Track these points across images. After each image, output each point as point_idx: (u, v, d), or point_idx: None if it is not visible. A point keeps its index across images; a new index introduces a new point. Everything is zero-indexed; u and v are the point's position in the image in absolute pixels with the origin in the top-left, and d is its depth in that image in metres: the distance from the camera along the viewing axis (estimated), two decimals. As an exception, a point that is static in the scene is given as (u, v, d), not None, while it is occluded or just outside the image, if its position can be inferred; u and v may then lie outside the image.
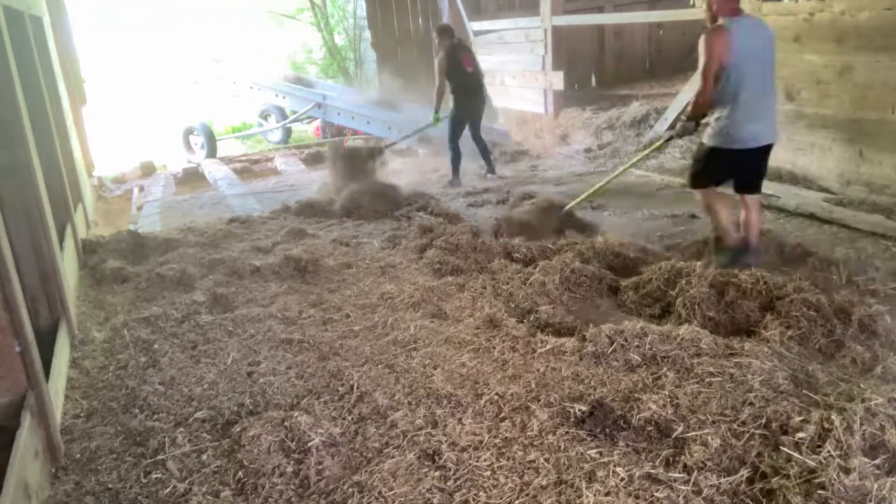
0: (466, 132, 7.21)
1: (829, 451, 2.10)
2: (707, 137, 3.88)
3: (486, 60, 10.12)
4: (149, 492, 2.28)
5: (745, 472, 2.15)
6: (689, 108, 3.96)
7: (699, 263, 3.60)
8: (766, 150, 3.83)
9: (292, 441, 2.43)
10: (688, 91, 7.27)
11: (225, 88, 11.20)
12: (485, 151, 7.41)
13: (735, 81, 3.64)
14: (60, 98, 5.66)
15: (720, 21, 3.70)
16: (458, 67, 6.95)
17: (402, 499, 2.16)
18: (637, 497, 2.11)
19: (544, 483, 2.19)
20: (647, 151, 5.20)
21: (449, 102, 7.20)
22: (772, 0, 5.94)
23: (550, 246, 4.35)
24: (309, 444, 2.40)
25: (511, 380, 2.82)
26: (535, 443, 2.40)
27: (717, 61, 3.62)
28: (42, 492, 2.26)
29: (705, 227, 4.54)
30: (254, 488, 2.24)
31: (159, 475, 2.35)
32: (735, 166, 3.83)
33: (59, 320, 3.33)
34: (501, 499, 2.14)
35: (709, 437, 2.28)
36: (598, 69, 11.10)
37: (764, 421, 2.35)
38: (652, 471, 2.20)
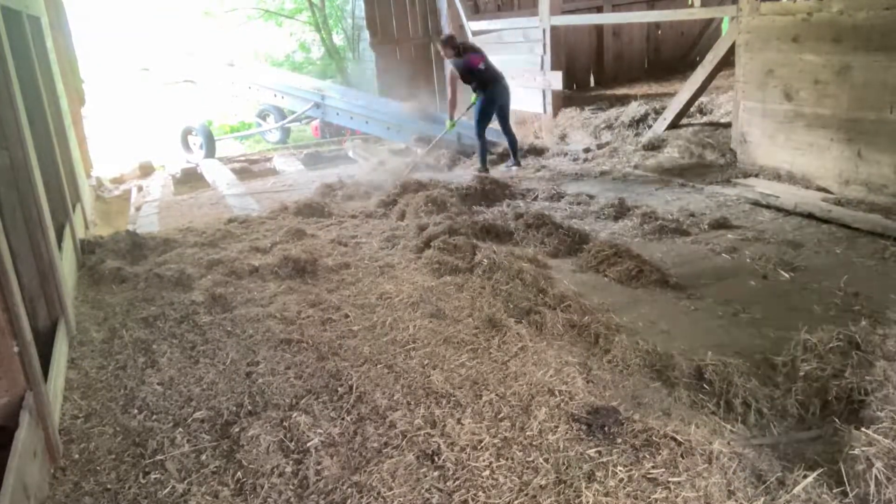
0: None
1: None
2: None
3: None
4: (147, 492, 2.27)
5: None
6: None
7: None
8: None
9: (291, 441, 2.43)
10: (687, 91, 7.28)
11: (224, 88, 11.19)
12: (513, 144, 7.71)
13: None
14: (59, 98, 5.65)
15: None
16: (468, 72, 7.21)
17: (401, 499, 2.16)
18: (636, 497, 2.11)
19: (543, 483, 2.19)
20: None
21: (462, 105, 7.58)
22: (770, 0, 5.95)
23: None
24: (308, 445, 2.40)
25: (511, 379, 2.83)
26: (534, 443, 2.40)
27: None
28: (41, 492, 2.26)
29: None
30: (253, 488, 2.24)
31: (158, 475, 2.34)
32: None
33: (58, 321, 3.32)
34: (500, 499, 2.14)
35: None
36: (597, 69, 11.12)
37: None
38: (652, 471, 2.21)
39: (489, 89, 7.31)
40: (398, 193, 6.03)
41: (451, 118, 7.54)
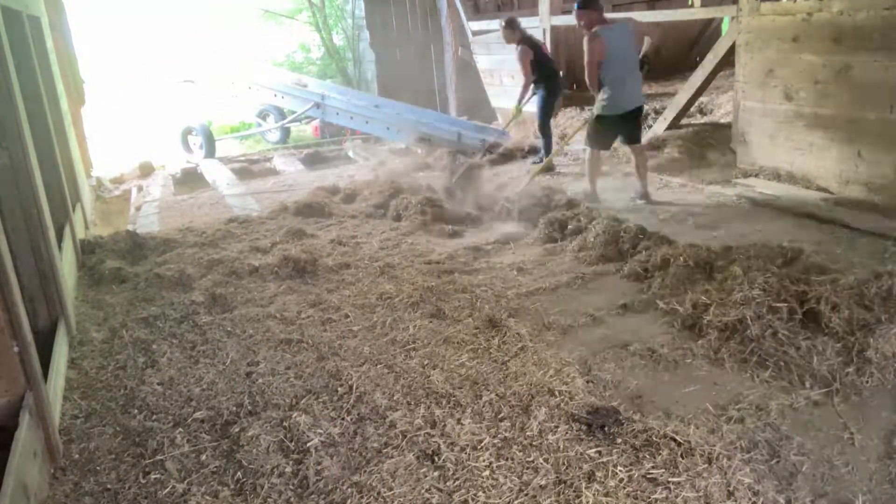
0: None
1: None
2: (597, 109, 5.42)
3: (485, 60, 10.14)
4: (147, 492, 2.27)
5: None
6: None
7: None
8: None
9: (291, 441, 2.43)
10: (687, 91, 7.28)
11: (224, 88, 11.17)
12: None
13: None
14: (59, 98, 5.64)
15: (595, 29, 5.17)
16: (540, 55, 7.28)
17: (401, 499, 2.16)
18: (636, 498, 2.11)
19: (543, 483, 2.19)
20: None
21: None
22: (770, 0, 5.95)
23: None
24: (308, 445, 2.40)
25: (511, 380, 2.83)
26: (534, 443, 2.40)
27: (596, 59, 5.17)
28: (41, 492, 2.26)
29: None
30: (253, 488, 2.24)
31: (158, 475, 2.35)
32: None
33: (58, 321, 3.32)
34: (500, 499, 2.14)
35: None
36: (597, 69, 11.09)
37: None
38: (652, 471, 2.21)
39: (550, 83, 7.38)
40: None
41: (520, 103, 7.43)
